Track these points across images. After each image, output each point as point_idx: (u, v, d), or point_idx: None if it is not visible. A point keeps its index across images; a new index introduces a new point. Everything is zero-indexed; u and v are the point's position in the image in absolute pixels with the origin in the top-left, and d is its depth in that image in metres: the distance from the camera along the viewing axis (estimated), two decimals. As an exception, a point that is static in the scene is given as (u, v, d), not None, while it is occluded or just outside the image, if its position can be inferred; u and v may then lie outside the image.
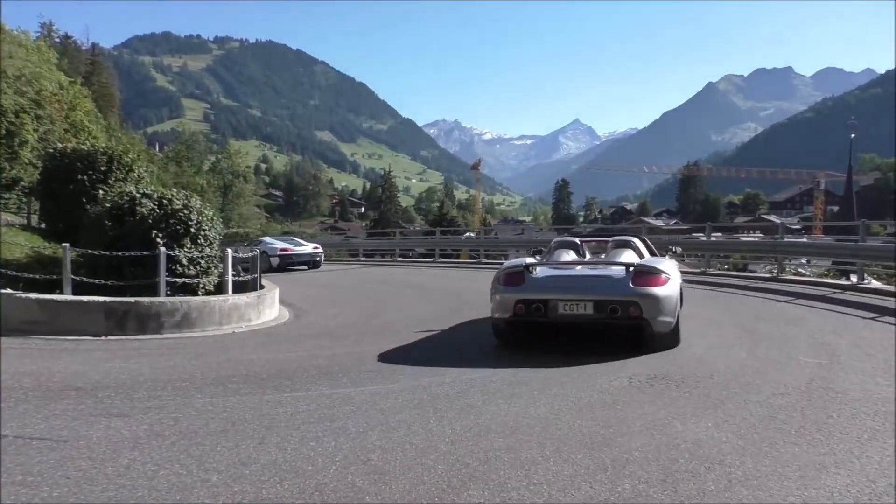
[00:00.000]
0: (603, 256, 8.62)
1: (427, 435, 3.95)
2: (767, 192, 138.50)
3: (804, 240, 22.85)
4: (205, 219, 12.97)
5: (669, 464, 3.41)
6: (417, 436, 3.94)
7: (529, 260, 7.73)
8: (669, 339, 6.81)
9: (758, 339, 7.49)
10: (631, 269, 6.83)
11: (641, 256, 8.17)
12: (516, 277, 7.07)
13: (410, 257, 30.22)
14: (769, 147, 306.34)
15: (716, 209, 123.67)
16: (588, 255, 8.82)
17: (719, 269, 20.12)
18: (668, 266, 7.29)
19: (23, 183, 36.51)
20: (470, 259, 28.82)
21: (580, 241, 9.12)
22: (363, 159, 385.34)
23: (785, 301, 11.53)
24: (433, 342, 7.70)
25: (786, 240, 17.50)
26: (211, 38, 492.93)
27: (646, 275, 6.75)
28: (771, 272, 17.61)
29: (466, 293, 13.44)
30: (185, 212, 12.67)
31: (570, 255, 8.38)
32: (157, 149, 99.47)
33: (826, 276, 17.97)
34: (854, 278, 14.39)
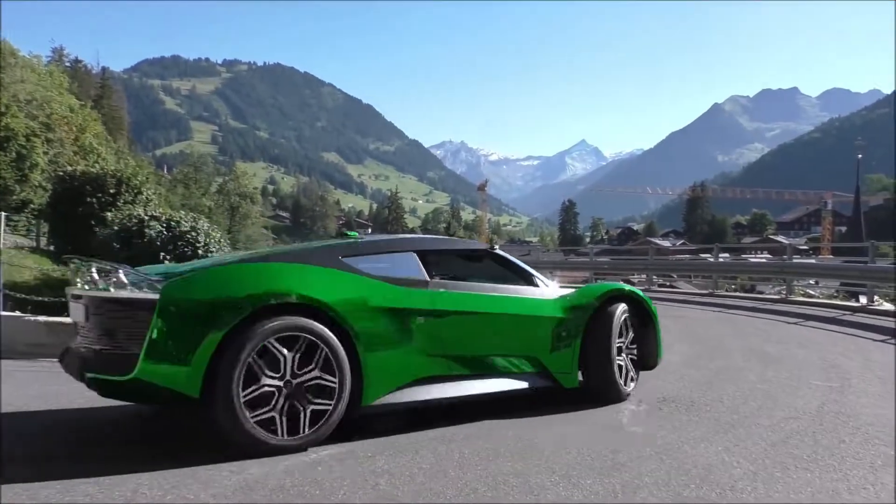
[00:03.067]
0: None
1: (435, 459, 3.92)
2: (774, 213, 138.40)
3: (812, 261, 22.75)
4: (213, 241, 13.06)
5: (680, 489, 3.37)
6: (426, 460, 3.91)
7: None
8: None
9: (767, 361, 7.43)
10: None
11: None
12: None
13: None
14: (776, 168, 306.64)
15: (723, 230, 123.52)
16: None
17: (727, 291, 20.04)
18: None
19: (32, 205, 36.87)
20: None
21: None
22: (370, 180, 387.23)
23: (794, 323, 11.46)
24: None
25: (794, 261, 17.43)
26: (219, 62, 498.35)
27: None
28: (780, 293, 17.53)
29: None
30: (193, 234, 12.77)
31: None
32: (166, 171, 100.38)
33: (835, 297, 17.87)
34: (864, 300, 14.31)
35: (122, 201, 17.15)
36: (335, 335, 4.03)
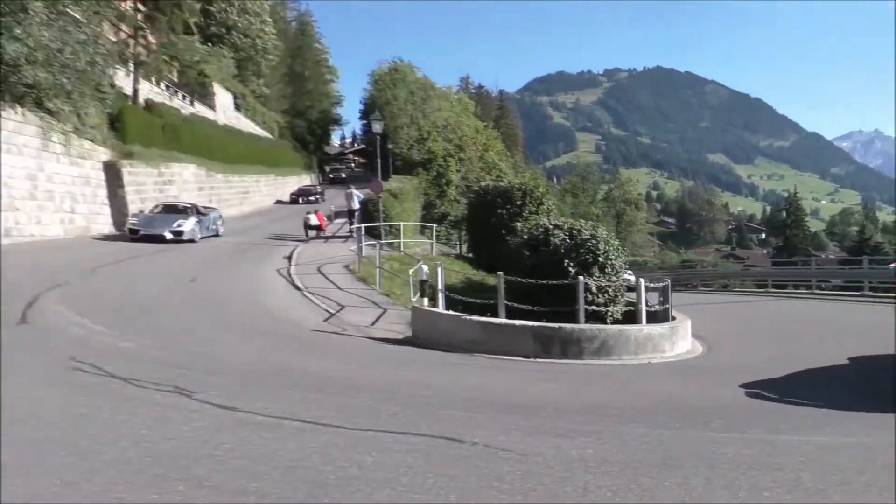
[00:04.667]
0: None
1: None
2: None
3: None
4: (611, 248, 13.37)
5: None
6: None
7: None
8: None
9: None
10: None
11: None
12: None
13: (824, 289, 26.75)
14: None
15: None
16: None
17: None
18: None
19: (449, 217, 42.51)
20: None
21: None
22: (761, 181, 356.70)
23: None
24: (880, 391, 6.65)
25: None
26: (601, 72, 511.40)
27: None
28: None
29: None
30: (594, 241, 13.24)
31: None
32: (556, 181, 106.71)
33: None
34: None
35: (527, 212, 18.70)
36: None
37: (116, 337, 7.77)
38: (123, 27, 25.39)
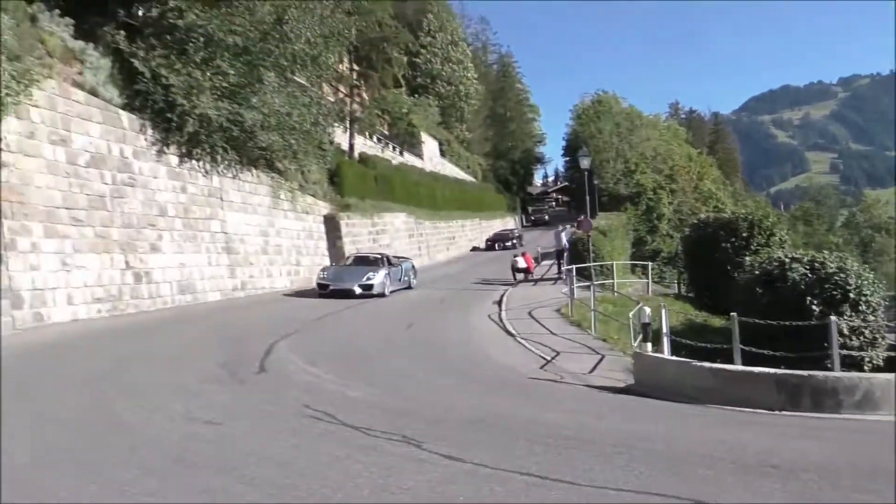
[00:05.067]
0: None
1: None
2: None
3: None
4: (865, 282, 11.84)
5: None
6: None
7: None
8: None
9: None
10: None
11: None
12: None
13: None
14: None
15: None
16: None
17: None
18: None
19: (662, 253, 40.40)
20: None
21: None
22: None
23: None
24: None
25: None
26: (834, 81, 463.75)
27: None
28: None
29: None
30: (842, 275, 11.80)
31: None
32: (782, 208, 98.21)
33: None
34: None
35: (755, 244, 17.22)
36: None
37: (344, 385, 8.19)
38: (341, 87, 27.85)
